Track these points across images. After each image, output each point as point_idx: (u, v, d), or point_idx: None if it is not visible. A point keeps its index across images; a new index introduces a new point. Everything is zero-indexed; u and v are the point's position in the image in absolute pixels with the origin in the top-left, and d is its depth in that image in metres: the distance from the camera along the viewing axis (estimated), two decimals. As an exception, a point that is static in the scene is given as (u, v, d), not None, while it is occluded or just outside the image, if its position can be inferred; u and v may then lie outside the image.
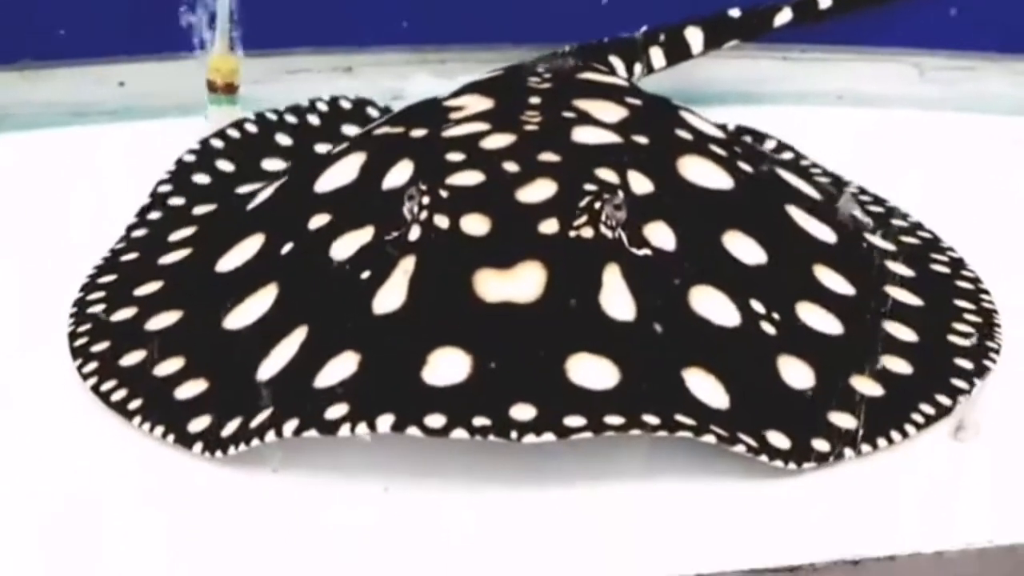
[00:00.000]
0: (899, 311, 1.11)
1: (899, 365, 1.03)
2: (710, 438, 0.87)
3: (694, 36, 1.63)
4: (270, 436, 0.88)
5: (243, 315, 1.04)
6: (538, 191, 0.99)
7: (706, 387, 0.91)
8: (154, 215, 1.31)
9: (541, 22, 1.65)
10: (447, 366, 0.87)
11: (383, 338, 0.92)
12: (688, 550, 0.88)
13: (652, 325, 0.93)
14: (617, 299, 0.93)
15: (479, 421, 0.83)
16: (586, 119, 1.15)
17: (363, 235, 1.02)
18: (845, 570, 0.88)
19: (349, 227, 1.05)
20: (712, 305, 0.99)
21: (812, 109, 1.73)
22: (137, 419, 0.97)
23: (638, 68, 1.59)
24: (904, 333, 1.08)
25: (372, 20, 1.64)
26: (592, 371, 0.88)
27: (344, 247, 1.03)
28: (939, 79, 1.75)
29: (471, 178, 1.01)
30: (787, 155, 1.49)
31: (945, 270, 1.22)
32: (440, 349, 0.88)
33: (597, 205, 0.96)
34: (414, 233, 0.96)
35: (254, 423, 0.91)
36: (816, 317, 1.04)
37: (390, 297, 0.94)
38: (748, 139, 1.48)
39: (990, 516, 0.95)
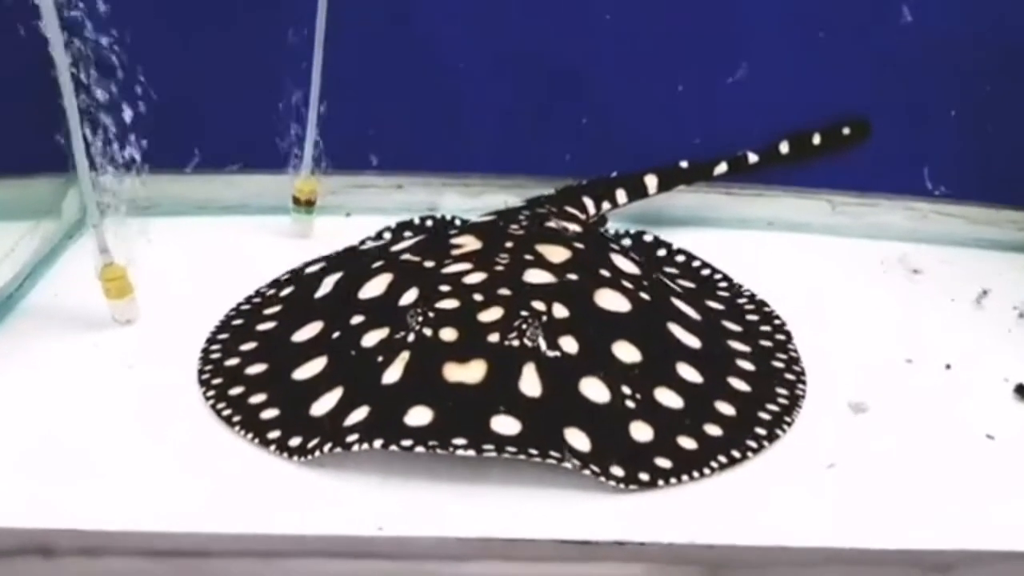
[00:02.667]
0: (731, 391, 1.51)
1: (714, 430, 1.43)
2: (573, 463, 1.29)
3: (651, 180, 2.14)
4: (327, 447, 1.32)
5: (305, 372, 1.50)
6: (492, 314, 1.43)
7: (578, 437, 1.34)
8: (269, 291, 1.78)
9: (548, 157, 2.19)
10: (420, 415, 1.32)
11: (385, 399, 1.37)
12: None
13: (551, 400, 1.36)
14: (531, 383, 1.37)
15: (431, 442, 1.28)
16: (538, 262, 1.58)
17: (383, 333, 1.48)
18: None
19: (375, 327, 1.50)
20: (593, 389, 1.41)
21: (748, 233, 2.20)
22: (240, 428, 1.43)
23: (606, 204, 2.09)
24: (726, 408, 1.48)
25: (417, 152, 2.19)
26: (506, 424, 1.32)
27: (370, 339, 1.49)
28: (847, 212, 2.25)
29: (451, 304, 1.46)
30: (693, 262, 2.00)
31: (779, 364, 1.62)
32: (418, 406, 1.33)
33: (524, 326, 1.40)
34: (411, 337, 1.42)
35: (311, 443, 1.36)
36: (667, 397, 1.46)
37: (392, 374, 1.39)
38: (661, 251, 2.03)
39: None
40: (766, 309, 1.83)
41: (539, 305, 1.47)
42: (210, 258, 1.95)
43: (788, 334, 1.75)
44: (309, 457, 1.36)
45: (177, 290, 1.79)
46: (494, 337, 1.40)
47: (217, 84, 2.10)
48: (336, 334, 1.55)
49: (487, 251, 1.63)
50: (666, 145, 2.14)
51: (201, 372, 1.56)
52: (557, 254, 1.63)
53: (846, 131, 2.15)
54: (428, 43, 2.13)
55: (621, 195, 2.12)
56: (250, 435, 1.42)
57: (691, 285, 1.83)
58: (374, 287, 1.65)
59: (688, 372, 1.52)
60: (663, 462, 1.37)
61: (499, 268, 1.57)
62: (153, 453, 1.38)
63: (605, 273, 1.63)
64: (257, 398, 1.48)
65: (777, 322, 1.79)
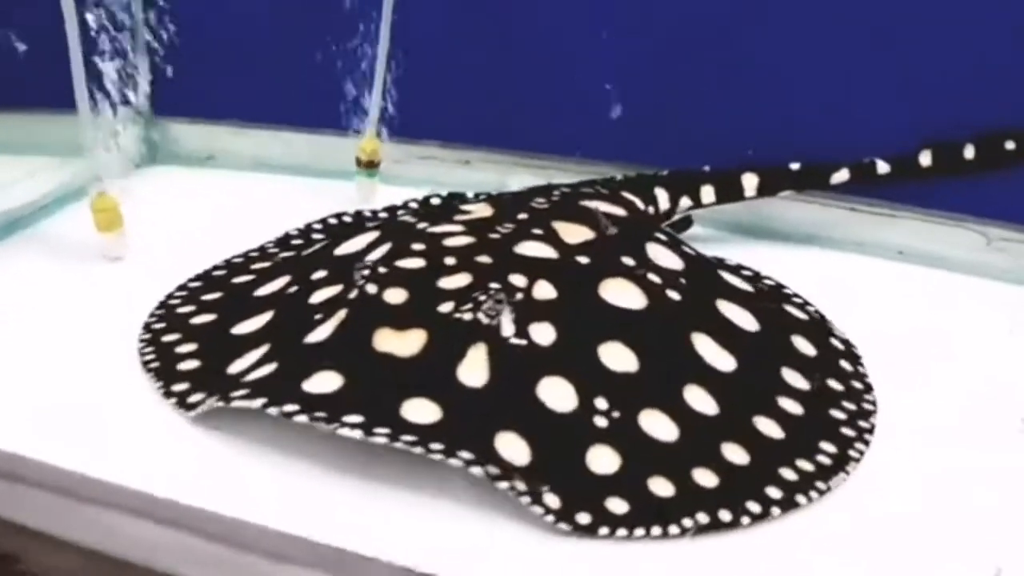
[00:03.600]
0: (752, 433, 1.21)
1: (707, 479, 1.13)
2: (489, 472, 1.06)
3: (749, 181, 1.77)
4: (209, 401, 1.20)
5: (246, 326, 1.36)
6: (455, 281, 1.23)
7: (514, 446, 1.09)
8: (272, 249, 1.68)
9: (644, 145, 1.87)
10: (324, 382, 1.14)
11: (298, 359, 1.21)
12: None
13: (493, 394, 1.13)
14: (473, 369, 1.15)
15: (317, 414, 1.10)
16: (546, 237, 1.35)
17: (335, 290, 1.33)
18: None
19: (331, 283, 1.35)
20: (555, 393, 1.16)
21: (871, 261, 1.81)
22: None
23: (685, 201, 1.75)
24: (736, 455, 1.17)
25: (488, 127, 1.97)
26: (422, 410, 1.11)
27: (320, 295, 1.33)
28: (1007, 250, 1.77)
29: (414, 263, 1.27)
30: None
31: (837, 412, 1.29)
32: (326, 372, 1.16)
33: (482, 297, 1.19)
34: (353, 294, 1.24)
35: (198, 397, 1.24)
36: (657, 424, 1.17)
37: (319, 333, 1.23)
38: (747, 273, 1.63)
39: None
40: (854, 350, 1.45)
41: (518, 279, 1.25)
42: (251, 214, 1.85)
43: (867, 384, 1.36)
44: (192, 412, 1.23)
45: (198, 241, 1.71)
46: (446, 307, 1.20)
47: (283, 37, 2.00)
48: (293, 289, 1.42)
49: (493, 219, 1.43)
50: (793, 144, 1.77)
51: (151, 316, 1.48)
52: (575, 233, 1.39)
53: (1010, 145, 1.70)
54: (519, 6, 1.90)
55: (708, 192, 1.77)
56: (159, 384, 1.30)
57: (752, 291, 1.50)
58: (353, 244, 1.47)
59: (700, 399, 1.23)
60: (617, 505, 1.09)
61: (494, 236, 1.35)
62: (66, 387, 1.33)
63: (628, 262, 1.37)
64: (185, 348, 1.37)
65: (861, 368, 1.40)
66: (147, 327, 1.43)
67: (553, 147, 1.93)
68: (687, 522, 1.08)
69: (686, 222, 1.80)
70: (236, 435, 1.22)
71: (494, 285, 1.22)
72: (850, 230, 1.85)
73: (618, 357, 1.22)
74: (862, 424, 1.28)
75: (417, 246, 1.33)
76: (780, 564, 1.08)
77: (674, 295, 1.35)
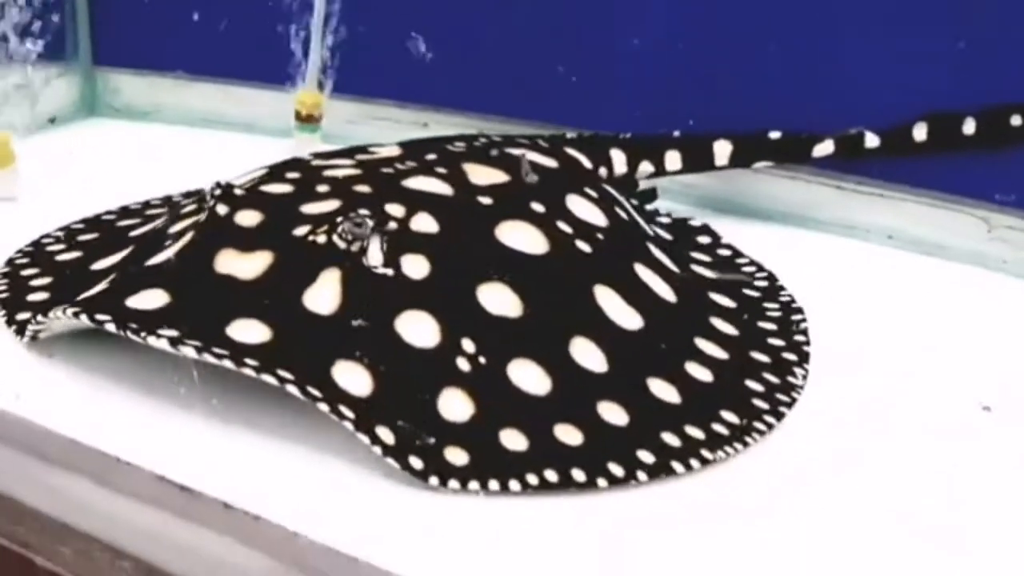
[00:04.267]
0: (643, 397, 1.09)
1: (571, 436, 1.02)
2: (304, 392, 0.96)
3: (722, 148, 1.61)
4: (34, 320, 1.10)
5: (105, 261, 1.26)
6: (319, 207, 1.13)
7: (353, 377, 1.00)
8: (177, 198, 1.55)
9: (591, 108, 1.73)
10: (149, 299, 1.04)
11: (132, 278, 1.10)
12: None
13: (338, 322, 1.04)
14: (322, 295, 1.05)
15: (131, 325, 1.01)
16: (448, 176, 1.24)
17: (200, 216, 1.20)
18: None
19: (198, 213, 1.21)
20: (415, 328, 1.06)
21: (858, 244, 1.63)
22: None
23: (646, 166, 1.60)
24: (615, 414, 1.06)
25: (448, 87, 1.82)
26: (250, 331, 1.01)
27: (181, 224, 1.21)
28: (1009, 239, 1.58)
29: (279, 188, 1.17)
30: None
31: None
32: (153, 290, 1.05)
33: (339, 219, 1.09)
34: (202, 215, 1.14)
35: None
36: (527, 375, 1.06)
37: (163, 255, 1.13)
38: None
39: None
40: (796, 320, 1.31)
41: (395, 209, 1.15)
42: (177, 168, 1.73)
43: (801, 365, 1.21)
44: (23, 337, 1.15)
45: (109, 190, 1.59)
46: (301, 230, 1.10)
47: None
48: (160, 223, 1.31)
49: (396, 159, 1.32)
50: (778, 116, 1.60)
51: (17, 251, 1.38)
52: (485, 175, 1.29)
53: (1016, 121, 1.52)
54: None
55: (673, 159, 1.61)
56: (2, 313, 1.22)
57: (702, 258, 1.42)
58: (242, 178, 1.31)
59: (588, 352, 1.11)
60: (456, 455, 0.98)
61: (386, 170, 1.24)
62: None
63: (537, 207, 1.24)
64: (40, 281, 1.28)
65: (803, 347, 1.25)
66: (9, 261, 1.34)
67: (517, 110, 1.78)
68: (531, 478, 0.97)
69: (650, 194, 1.63)
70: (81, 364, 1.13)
71: (362, 211, 1.11)
72: (835, 210, 1.67)
73: (500, 300, 1.11)
74: (780, 398, 1.14)
75: (293, 174, 1.22)
76: (623, 531, 0.96)
77: (584, 246, 1.22)
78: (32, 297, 1.23)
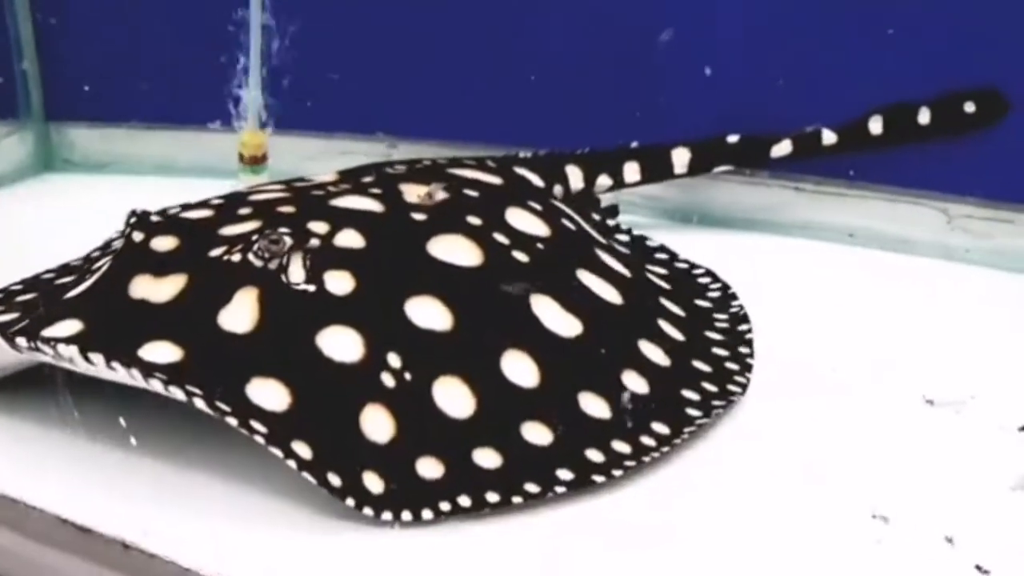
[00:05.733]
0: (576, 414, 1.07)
1: (490, 459, 1.00)
2: (211, 406, 0.94)
3: (680, 156, 1.61)
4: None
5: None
6: (238, 228, 1.11)
7: (269, 393, 0.97)
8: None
9: (557, 128, 1.72)
10: (63, 328, 1.02)
11: (51, 308, 1.08)
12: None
13: (256, 340, 1.01)
14: (236, 314, 1.03)
15: (43, 347, 0.98)
16: (380, 196, 1.23)
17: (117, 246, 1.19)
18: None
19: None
20: (336, 343, 1.03)
21: (820, 245, 1.64)
22: None
23: (604, 179, 1.59)
24: (538, 434, 1.04)
25: (412, 117, 1.82)
26: (162, 351, 0.99)
27: (107, 258, 1.19)
28: (970, 229, 1.59)
29: (198, 214, 1.15)
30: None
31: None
32: (68, 320, 1.03)
33: (254, 237, 1.07)
34: (118, 243, 1.13)
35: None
36: (451, 395, 1.04)
37: (84, 284, 1.11)
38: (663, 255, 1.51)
39: None
40: (741, 329, 1.29)
41: (318, 227, 1.13)
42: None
43: (743, 375, 1.19)
44: None
45: (59, 246, 1.51)
46: (216, 252, 1.08)
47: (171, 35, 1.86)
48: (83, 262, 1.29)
49: (331, 183, 1.31)
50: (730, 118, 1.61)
51: None
52: (416, 193, 1.27)
53: (970, 107, 1.52)
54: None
55: (632, 170, 1.61)
56: None
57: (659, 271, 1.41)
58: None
59: (519, 367, 1.08)
60: (373, 482, 0.96)
61: (316, 192, 1.23)
62: None
63: (473, 221, 1.22)
64: None
65: (745, 350, 1.25)
66: None
67: (486, 135, 1.75)
68: (444, 505, 0.96)
69: (612, 210, 1.62)
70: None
71: (281, 229, 1.09)
72: (796, 212, 1.69)
73: (429, 313, 1.09)
74: (715, 404, 1.13)
75: (217, 201, 1.21)
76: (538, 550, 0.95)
77: (521, 256, 1.20)
78: None
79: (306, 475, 0.94)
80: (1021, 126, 1.53)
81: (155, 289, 1.05)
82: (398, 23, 1.79)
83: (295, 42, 1.73)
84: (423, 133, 1.82)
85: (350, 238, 1.13)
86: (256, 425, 0.95)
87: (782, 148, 1.60)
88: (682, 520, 0.99)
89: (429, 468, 0.98)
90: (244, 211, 1.15)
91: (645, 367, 1.14)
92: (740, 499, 1.02)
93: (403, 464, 0.98)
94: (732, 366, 1.20)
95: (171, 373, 0.96)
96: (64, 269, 1.42)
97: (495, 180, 1.41)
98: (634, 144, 1.63)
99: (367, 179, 1.32)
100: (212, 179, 1.84)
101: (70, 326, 1.02)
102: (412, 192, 1.26)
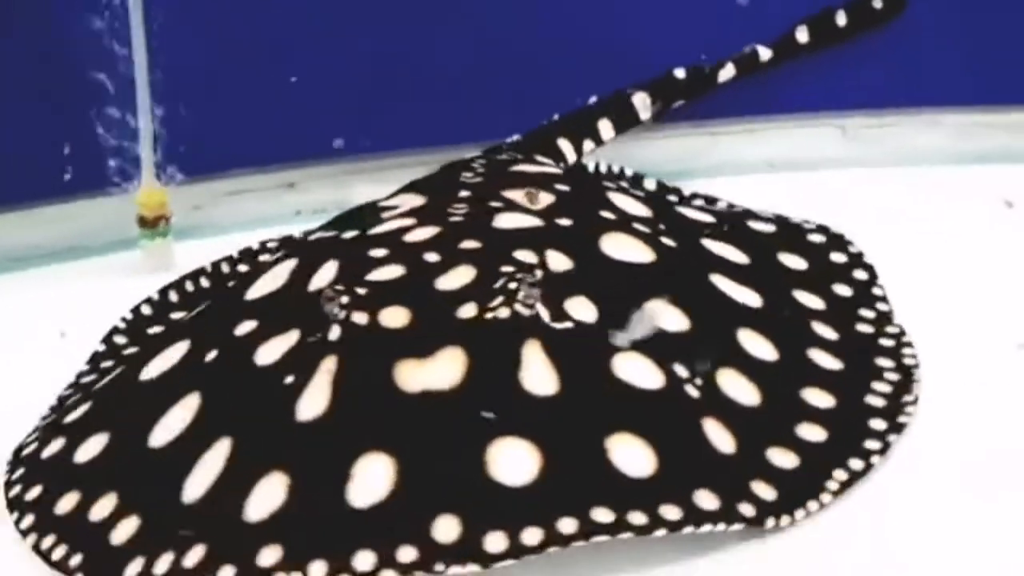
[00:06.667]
0: (818, 375, 1.09)
1: (814, 432, 1.00)
2: (628, 535, 0.85)
3: (640, 100, 1.65)
4: None
5: (166, 430, 1.00)
6: (457, 278, 1.00)
7: (632, 453, 0.90)
8: (106, 363, 1.26)
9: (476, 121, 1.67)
10: (372, 478, 0.86)
11: (308, 451, 0.90)
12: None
13: (576, 395, 0.93)
14: (538, 374, 0.93)
15: (405, 555, 0.82)
16: (512, 207, 1.18)
17: (288, 339, 1.01)
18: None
19: (275, 332, 1.02)
20: (635, 370, 0.97)
21: (745, 179, 1.72)
22: None
23: (588, 144, 1.61)
24: (821, 399, 1.05)
25: (311, 137, 1.66)
26: (513, 458, 0.86)
27: (269, 352, 1.01)
28: (863, 137, 1.79)
29: (391, 272, 1.02)
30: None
31: (869, 328, 1.20)
32: (364, 457, 0.87)
33: (512, 285, 0.96)
34: (334, 333, 0.95)
35: (188, 562, 0.87)
36: (735, 385, 1.03)
37: (314, 401, 0.92)
38: (700, 202, 1.53)
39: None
40: (851, 250, 1.36)
41: (526, 255, 1.05)
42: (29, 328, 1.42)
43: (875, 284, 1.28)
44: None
45: None
46: (468, 311, 0.95)
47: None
48: (211, 355, 1.05)
49: (434, 205, 1.20)
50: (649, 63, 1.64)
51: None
52: (534, 199, 1.23)
53: (878, 4, 1.73)
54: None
55: (606, 127, 1.64)
56: None
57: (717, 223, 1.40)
58: (270, 280, 1.14)
59: (756, 343, 1.08)
60: (765, 491, 0.92)
61: (455, 219, 1.14)
62: None
63: (607, 215, 1.22)
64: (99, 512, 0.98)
65: (864, 273, 1.31)
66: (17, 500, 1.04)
67: (392, 143, 1.67)
68: (831, 485, 0.97)
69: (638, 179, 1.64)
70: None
71: (507, 268, 0.99)
72: (716, 154, 1.78)
73: (667, 316, 1.06)
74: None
75: (377, 252, 1.07)
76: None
77: (668, 241, 1.21)
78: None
79: (688, 528, 0.86)
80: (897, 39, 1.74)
81: (430, 374, 0.90)
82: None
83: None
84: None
85: (559, 261, 1.06)
86: (638, 519, 0.85)
87: (727, 72, 1.70)
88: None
89: (784, 459, 0.96)
90: (432, 257, 1.03)
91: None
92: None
93: (760, 461, 0.95)
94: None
95: (537, 511, 0.84)
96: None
97: (554, 171, 1.38)
98: (592, 99, 1.65)
99: (462, 193, 1.24)
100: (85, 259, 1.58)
101: (373, 478, 0.85)
102: (518, 198, 1.21)
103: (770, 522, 0.90)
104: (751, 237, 1.35)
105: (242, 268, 1.43)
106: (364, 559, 0.81)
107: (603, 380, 0.95)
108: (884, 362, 1.13)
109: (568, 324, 0.98)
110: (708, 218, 1.40)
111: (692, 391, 0.99)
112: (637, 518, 0.85)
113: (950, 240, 1.49)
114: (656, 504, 0.86)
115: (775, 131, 1.78)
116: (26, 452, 1.10)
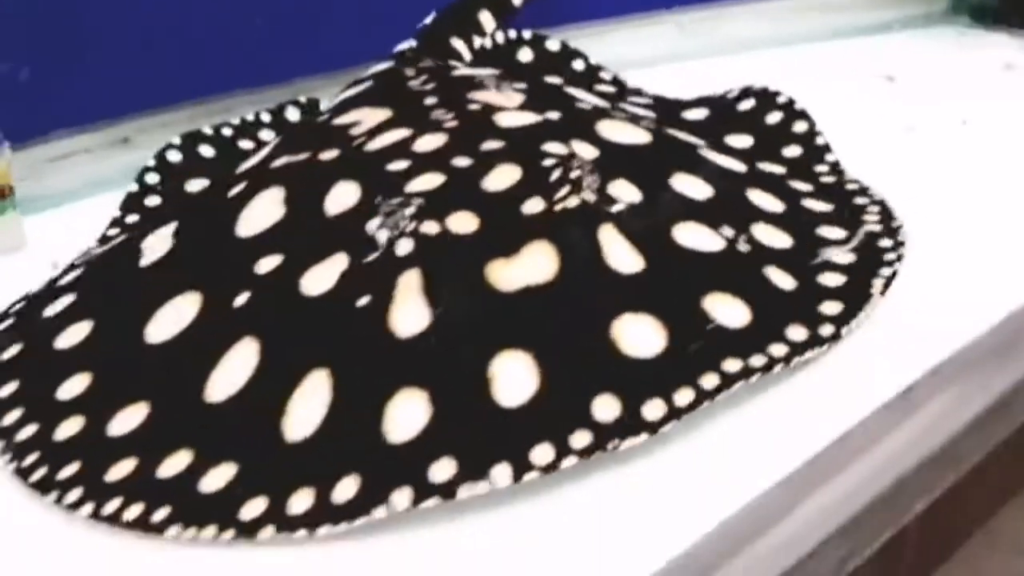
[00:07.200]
0: (821, 215, 1.16)
1: (845, 256, 1.07)
2: (755, 377, 0.88)
3: None
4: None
5: (226, 383, 0.88)
6: (503, 177, 0.97)
7: (728, 308, 0.93)
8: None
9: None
10: (515, 375, 0.83)
11: (435, 365, 0.85)
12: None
13: (659, 267, 0.94)
14: (621, 254, 0.93)
15: (579, 441, 0.80)
16: (494, 108, 1.12)
17: (335, 265, 0.93)
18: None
19: (311, 261, 0.94)
20: (697, 238, 1.00)
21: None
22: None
23: (476, 40, 1.55)
24: (834, 232, 1.12)
25: (144, 85, 1.46)
26: (638, 332, 0.87)
27: (317, 282, 0.93)
28: (698, 31, 1.83)
29: (430, 181, 0.97)
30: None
31: (832, 178, 1.27)
32: (498, 357, 0.83)
33: (574, 174, 0.96)
34: (404, 247, 0.91)
35: (339, 497, 0.79)
36: (768, 234, 1.07)
37: (410, 317, 0.87)
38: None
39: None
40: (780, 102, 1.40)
41: (557, 147, 1.04)
42: None
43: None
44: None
45: None
46: (534, 205, 0.94)
47: None
48: (242, 298, 0.94)
49: (409, 114, 1.13)
50: None
51: None
52: (504, 98, 1.17)
53: None
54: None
55: (487, 19, 1.58)
56: None
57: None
58: (259, 215, 1.03)
59: (763, 199, 1.14)
60: (832, 308, 0.99)
61: (453, 124, 1.09)
62: None
63: (584, 107, 1.22)
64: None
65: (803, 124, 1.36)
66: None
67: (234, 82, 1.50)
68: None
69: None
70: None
71: (550, 161, 0.99)
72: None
73: (692, 186, 1.09)
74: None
75: (397, 165, 1.02)
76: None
77: (647, 123, 1.23)
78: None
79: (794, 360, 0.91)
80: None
81: (525, 271, 0.88)
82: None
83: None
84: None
85: (584, 149, 1.05)
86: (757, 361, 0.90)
87: None
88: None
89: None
90: (463, 162, 1.00)
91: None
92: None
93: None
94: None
95: (674, 376, 0.86)
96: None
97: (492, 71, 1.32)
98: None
99: (428, 100, 1.17)
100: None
101: (521, 378, 0.82)
102: (493, 98, 1.15)
103: (844, 330, 0.96)
104: (692, 124, 1.36)
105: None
106: (543, 453, 0.79)
107: (676, 251, 0.97)
108: (861, 200, 1.20)
109: (622, 206, 0.98)
110: (646, 111, 1.39)
111: (743, 246, 1.01)
112: (758, 360, 0.89)
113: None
114: (764, 346, 0.90)
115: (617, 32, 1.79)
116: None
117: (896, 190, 1.24)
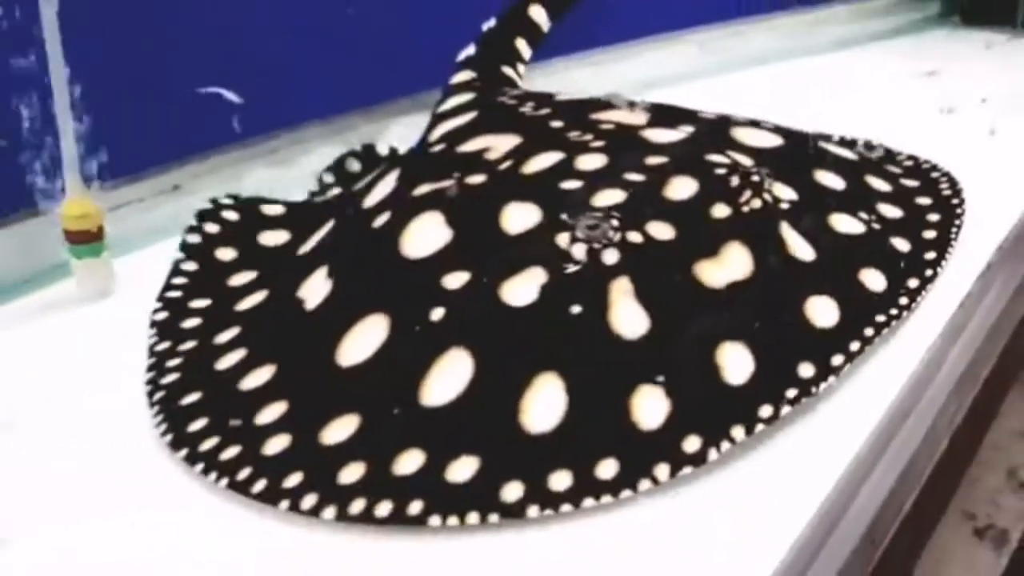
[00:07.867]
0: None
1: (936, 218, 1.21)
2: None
3: (538, 13, 1.65)
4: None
5: (444, 389, 0.90)
6: (683, 188, 1.03)
7: (876, 281, 1.06)
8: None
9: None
10: (737, 359, 0.91)
11: (670, 360, 0.91)
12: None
13: (826, 255, 1.05)
14: (799, 247, 1.04)
15: (790, 393, 0.91)
16: (632, 127, 1.19)
17: (533, 278, 0.96)
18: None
19: (505, 275, 0.96)
20: (847, 225, 1.12)
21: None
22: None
23: (521, 68, 1.61)
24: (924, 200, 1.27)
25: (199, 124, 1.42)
26: (824, 310, 0.99)
27: (517, 294, 0.95)
28: (717, 49, 1.91)
29: (614, 196, 1.02)
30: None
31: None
32: (722, 346, 0.92)
33: (755, 179, 1.04)
34: (611, 257, 0.96)
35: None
36: (888, 211, 1.20)
37: (631, 321, 0.93)
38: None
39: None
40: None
41: (718, 157, 1.10)
42: None
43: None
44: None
45: None
46: (721, 210, 1.02)
47: None
48: (438, 313, 0.96)
49: (543, 138, 1.17)
50: None
51: None
52: (625, 116, 1.24)
53: None
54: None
55: (523, 47, 1.64)
56: None
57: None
58: (424, 240, 1.03)
59: (878, 183, 1.29)
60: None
61: (599, 144, 1.14)
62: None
63: (705, 116, 1.30)
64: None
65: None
66: None
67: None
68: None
69: None
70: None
71: (723, 170, 1.06)
72: (594, 82, 1.78)
73: (829, 179, 1.21)
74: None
75: (571, 184, 1.06)
76: None
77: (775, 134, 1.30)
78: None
79: None
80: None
81: (728, 269, 0.97)
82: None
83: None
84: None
85: (740, 158, 1.12)
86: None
87: None
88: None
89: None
90: (637, 177, 1.04)
91: None
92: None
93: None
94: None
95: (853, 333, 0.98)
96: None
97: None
98: (488, 25, 1.61)
99: (554, 124, 1.23)
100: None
101: (740, 362, 0.92)
102: (612, 115, 1.24)
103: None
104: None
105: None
106: (765, 411, 0.89)
107: (837, 238, 1.09)
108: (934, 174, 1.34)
109: (786, 204, 1.08)
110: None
111: (876, 225, 1.14)
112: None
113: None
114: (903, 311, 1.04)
115: (648, 53, 1.84)
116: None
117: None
